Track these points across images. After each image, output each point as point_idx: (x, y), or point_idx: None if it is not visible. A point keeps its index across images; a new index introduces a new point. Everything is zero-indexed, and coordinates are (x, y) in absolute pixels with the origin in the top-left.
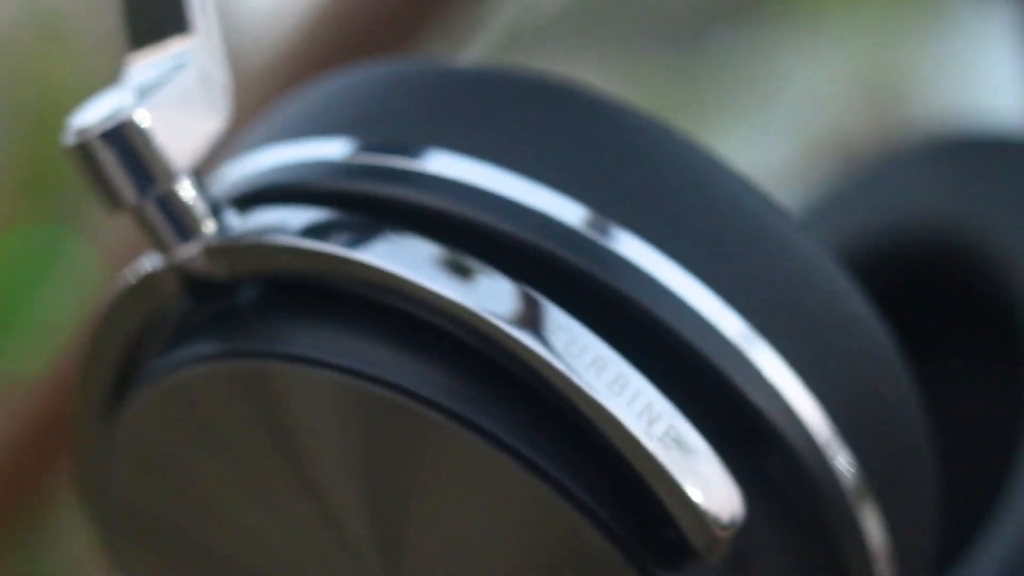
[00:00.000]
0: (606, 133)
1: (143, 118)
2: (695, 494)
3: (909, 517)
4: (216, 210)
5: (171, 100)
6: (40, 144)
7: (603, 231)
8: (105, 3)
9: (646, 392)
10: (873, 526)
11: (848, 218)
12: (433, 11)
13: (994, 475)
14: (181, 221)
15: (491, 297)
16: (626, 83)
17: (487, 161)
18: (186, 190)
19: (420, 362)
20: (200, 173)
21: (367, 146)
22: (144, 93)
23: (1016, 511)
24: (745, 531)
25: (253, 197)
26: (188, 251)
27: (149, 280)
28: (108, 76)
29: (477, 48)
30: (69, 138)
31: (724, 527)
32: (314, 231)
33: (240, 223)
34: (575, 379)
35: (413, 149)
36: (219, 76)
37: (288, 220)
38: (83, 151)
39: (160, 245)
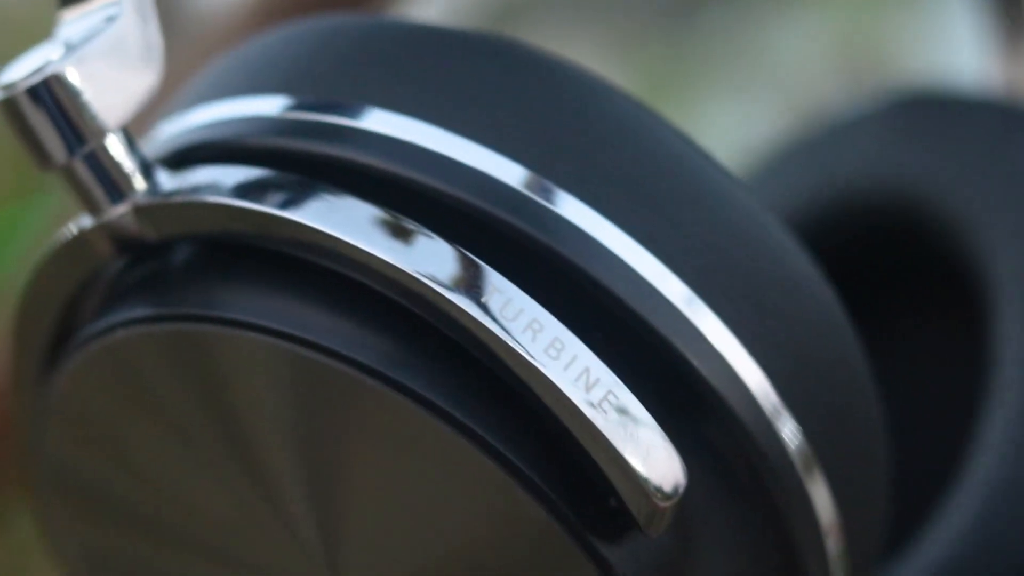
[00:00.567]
0: (546, 90)
1: (69, 73)
2: (635, 462)
3: (860, 489)
4: (147, 169)
5: (99, 55)
6: None
7: (542, 191)
8: None
9: (584, 356)
10: (822, 498)
11: (802, 178)
12: None
13: (954, 439)
14: (111, 180)
15: (426, 258)
16: (616, 56)
17: (423, 119)
18: (116, 148)
19: (353, 325)
20: (130, 131)
21: (302, 103)
22: (72, 48)
23: (975, 480)
24: (688, 501)
25: (187, 156)
26: (118, 211)
27: (80, 241)
28: None
29: (468, 20)
30: None
31: (666, 497)
32: (246, 190)
33: (171, 182)
34: (510, 342)
35: (349, 107)
36: (150, 31)
37: (220, 179)
38: (9, 108)
39: (90, 205)
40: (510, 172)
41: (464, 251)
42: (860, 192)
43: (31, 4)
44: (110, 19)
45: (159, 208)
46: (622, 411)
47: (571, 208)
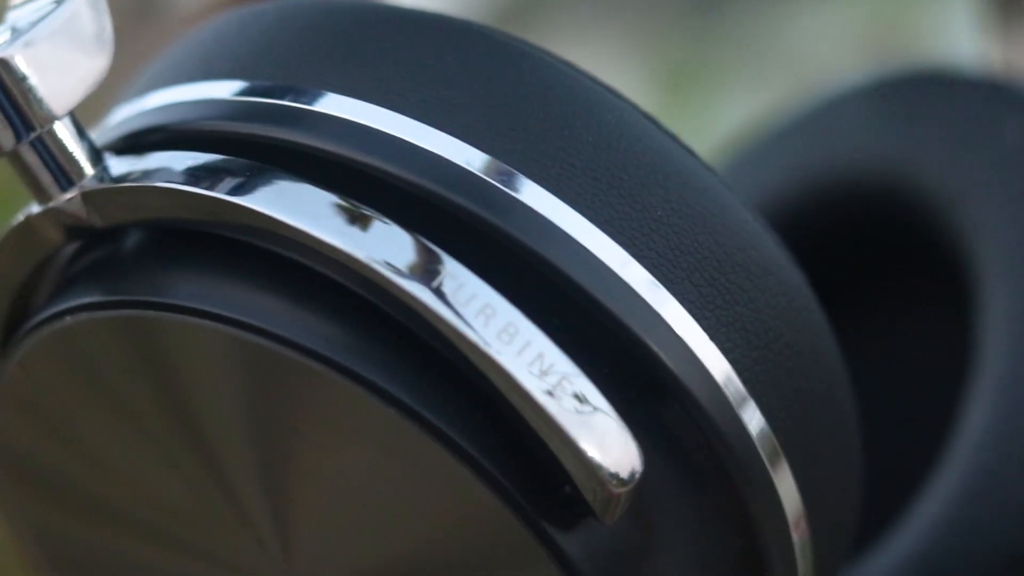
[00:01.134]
0: (505, 73)
1: (16, 58)
2: (589, 449)
3: (829, 477)
4: (96, 155)
5: (47, 41)
6: None
7: (498, 174)
8: None
9: (538, 342)
10: (787, 487)
11: (787, 160)
12: None
13: (938, 424)
14: (59, 167)
15: (377, 243)
16: (639, 49)
17: (378, 102)
18: (64, 135)
19: (304, 312)
20: (79, 118)
21: (256, 87)
22: (18, 33)
23: (956, 466)
24: (647, 489)
25: (140, 141)
26: (66, 197)
27: (29, 227)
28: None
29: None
30: None
31: (621, 483)
32: (195, 175)
33: (121, 168)
34: (461, 328)
35: (303, 90)
36: (100, 16)
37: (170, 164)
38: None
39: (38, 191)
40: (466, 155)
41: (416, 236)
42: (845, 173)
43: None
44: (58, 4)
45: (107, 194)
46: (577, 397)
47: (528, 191)
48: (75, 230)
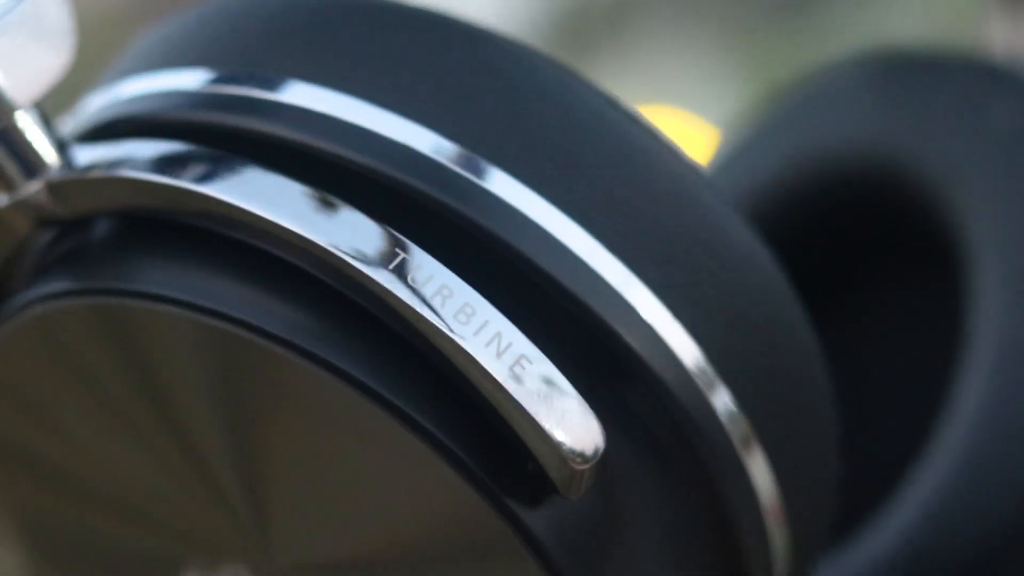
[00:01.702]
0: (469, 60)
1: None
2: (549, 426)
3: (804, 458)
4: (61, 145)
5: (9, 32)
6: None
7: (459, 159)
8: None
9: (496, 321)
10: (760, 472)
11: (778, 145)
12: None
13: (929, 405)
14: (24, 157)
15: (334, 227)
16: (732, 48)
17: (343, 90)
18: (28, 125)
19: (267, 297)
20: (44, 108)
21: (222, 76)
22: None
23: (946, 447)
24: (614, 466)
25: (107, 131)
26: (32, 187)
27: None
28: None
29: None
30: None
31: (584, 460)
32: (160, 164)
33: (87, 157)
34: (419, 307)
35: (269, 79)
36: (62, 7)
37: (135, 153)
38: None
39: (4, 182)
40: (425, 140)
41: (374, 219)
42: (836, 157)
43: None
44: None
45: (72, 184)
46: (536, 376)
47: (488, 175)
48: (45, 219)
